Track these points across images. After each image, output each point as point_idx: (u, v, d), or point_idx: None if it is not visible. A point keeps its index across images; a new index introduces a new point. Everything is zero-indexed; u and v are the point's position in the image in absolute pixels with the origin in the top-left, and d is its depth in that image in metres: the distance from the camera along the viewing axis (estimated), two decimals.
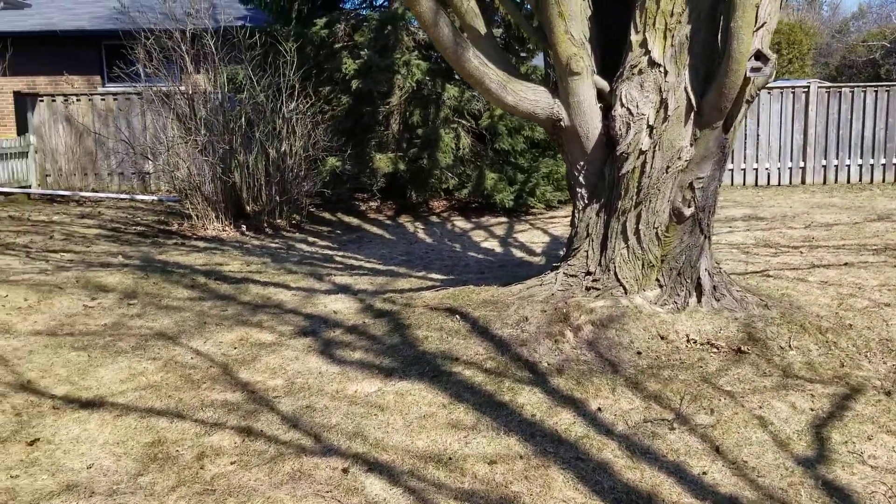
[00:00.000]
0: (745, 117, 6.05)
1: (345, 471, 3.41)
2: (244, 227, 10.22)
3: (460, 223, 11.44)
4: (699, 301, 5.40)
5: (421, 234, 10.46)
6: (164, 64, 10.53)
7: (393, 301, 6.23)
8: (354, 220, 11.61)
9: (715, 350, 4.81)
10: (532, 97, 5.38)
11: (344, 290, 6.78)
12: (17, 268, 7.44)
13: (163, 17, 10.58)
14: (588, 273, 5.56)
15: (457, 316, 5.38)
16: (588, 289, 5.50)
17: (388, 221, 11.65)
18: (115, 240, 9.39)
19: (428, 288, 6.70)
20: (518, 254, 8.90)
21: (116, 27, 10.33)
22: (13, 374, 4.53)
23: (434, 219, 11.90)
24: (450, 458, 3.53)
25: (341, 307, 6.13)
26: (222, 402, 4.19)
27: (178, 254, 8.47)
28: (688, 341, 4.93)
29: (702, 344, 4.89)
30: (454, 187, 12.58)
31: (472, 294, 5.94)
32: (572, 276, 5.63)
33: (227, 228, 10.18)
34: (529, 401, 4.18)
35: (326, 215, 12.07)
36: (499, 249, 9.29)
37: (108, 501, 3.13)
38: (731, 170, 13.92)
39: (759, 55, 4.80)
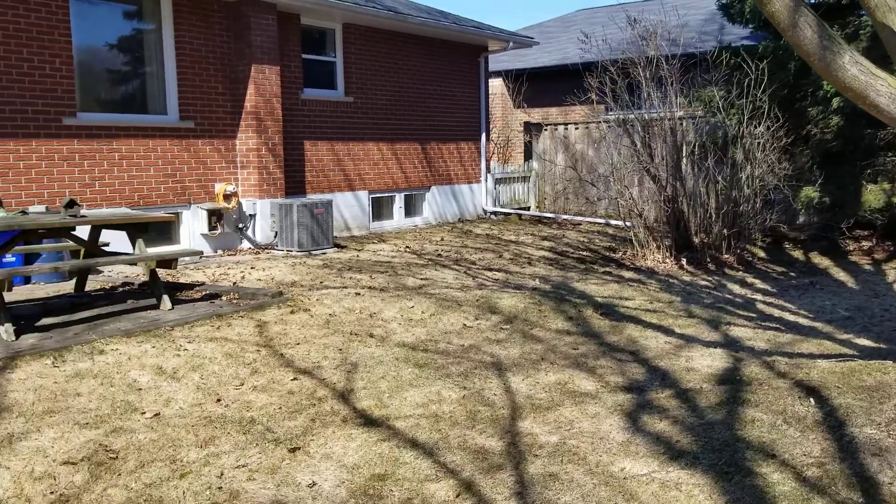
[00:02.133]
0: None
1: None
2: (684, 261, 9.61)
3: None
4: None
5: None
6: (626, 91, 10.55)
7: (770, 366, 5.15)
8: (824, 262, 9.96)
9: None
10: None
11: (728, 344, 5.85)
12: (447, 282, 8.25)
13: (667, 43, 10.52)
14: None
15: (812, 400, 4.17)
16: None
17: (868, 267, 9.69)
18: (553, 263, 9.73)
19: (833, 356, 5.37)
20: None
21: (617, 57, 10.63)
22: (346, 382, 5.02)
23: None
24: None
25: (701, 365, 5.29)
26: (478, 448, 3.96)
27: (596, 283, 8.36)
28: None
29: None
30: None
31: (869, 373, 4.57)
32: None
33: (666, 260, 9.70)
34: None
35: (795, 254, 10.62)
36: None
37: None
38: None
39: None
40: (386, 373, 5.18)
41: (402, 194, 13.25)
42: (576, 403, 4.58)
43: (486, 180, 14.94)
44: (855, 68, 3.88)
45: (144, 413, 4.38)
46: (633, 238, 10.25)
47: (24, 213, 7.40)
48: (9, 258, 7.46)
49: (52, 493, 3.44)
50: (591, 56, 16.11)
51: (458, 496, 3.45)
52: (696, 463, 3.69)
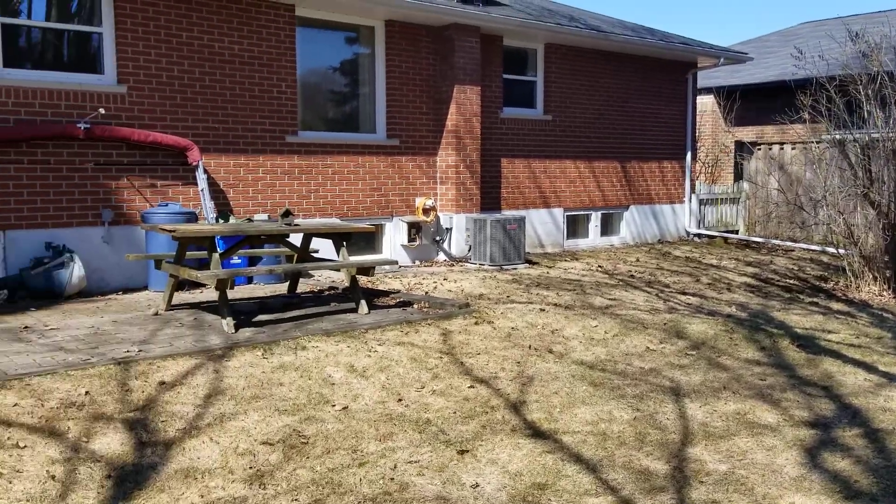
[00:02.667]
0: None
1: None
2: None
3: None
4: None
5: None
6: (846, 110, 9.91)
7: None
8: None
9: None
10: None
11: None
12: (636, 303, 8.21)
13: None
14: None
15: None
16: None
17: None
18: (755, 290, 9.34)
19: None
20: None
21: (835, 73, 10.05)
22: (519, 394, 5.22)
23: None
24: None
25: None
26: (642, 469, 4.00)
27: (798, 314, 7.95)
28: None
29: None
30: None
31: None
32: None
33: (883, 293, 8.99)
34: None
35: None
36: None
37: None
38: None
39: None
40: (560, 388, 5.32)
41: (599, 213, 13.25)
42: (753, 434, 4.47)
43: (690, 201, 14.55)
44: None
45: (334, 405, 4.86)
46: (847, 267, 9.59)
47: (249, 220, 8.35)
48: (235, 260, 8.44)
49: (250, 467, 3.95)
50: (805, 73, 15.31)
51: None
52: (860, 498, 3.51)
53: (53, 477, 3.74)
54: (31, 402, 4.56)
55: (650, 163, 13.87)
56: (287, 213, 7.27)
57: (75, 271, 7.72)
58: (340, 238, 7.40)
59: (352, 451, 4.19)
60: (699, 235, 14.61)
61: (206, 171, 8.68)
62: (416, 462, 4.07)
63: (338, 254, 7.39)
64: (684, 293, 8.97)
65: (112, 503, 3.54)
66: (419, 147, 10.73)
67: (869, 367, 5.90)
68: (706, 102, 18.18)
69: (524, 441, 4.39)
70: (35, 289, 7.61)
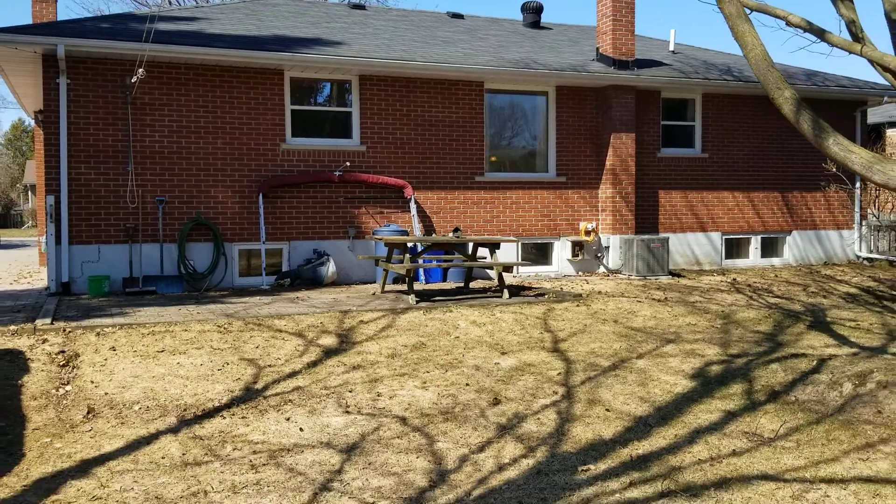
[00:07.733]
0: None
1: None
2: None
3: None
4: None
5: None
6: None
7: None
8: None
9: None
10: None
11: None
12: (724, 301, 11.03)
13: None
14: None
15: None
16: None
17: None
18: (847, 297, 11.60)
19: None
20: None
21: None
22: (565, 337, 8.63)
23: None
24: None
25: (818, 343, 7.64)
26: (596, 363, 7.34)
27: (848, 310, 10.30)
28: None
29: None
30: None
31: None
32: None
33: None
34: None
35: None
36: None
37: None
38: None
39: None
40: (594, 336, 8.68)
41: (759, 237, 15.68)
42: (684, 356, 7.57)
43: (861, 227, 16.30)
44: (836, 147, 6.24)
45: (451, 336, 8.68)
46: None
47: (444, 236, 12.44)
48: (433, 265, 12.59)
49: (390, 353, 7.91)
50: None
51: (559, 374, 6.99)
52: (701, 379, 6.59)
53: (298, 350, 7.99)
54: (292, 324, 8.94)
55: (815, 193, 15.99)
56: (456, 230, 11.26)
57: (330, 268, 12.33)
58: (493, 247, 11.24)
59: (445, 351, 7.99)
60: (870, 259, 16.27)
61: (416, 202, 13.00)
62: (475, 356, 7.78)
63: (491, 257, 11.23)
64: (778, 297, 11.54)
65: (323, 359, 7.69)
66: (583, 182, 14.26)
67: (837, 337, 8.46)
68: (892, 135, 19.36)
69: (543, 352, 7.90)
70: (305, 278, 12.35)
